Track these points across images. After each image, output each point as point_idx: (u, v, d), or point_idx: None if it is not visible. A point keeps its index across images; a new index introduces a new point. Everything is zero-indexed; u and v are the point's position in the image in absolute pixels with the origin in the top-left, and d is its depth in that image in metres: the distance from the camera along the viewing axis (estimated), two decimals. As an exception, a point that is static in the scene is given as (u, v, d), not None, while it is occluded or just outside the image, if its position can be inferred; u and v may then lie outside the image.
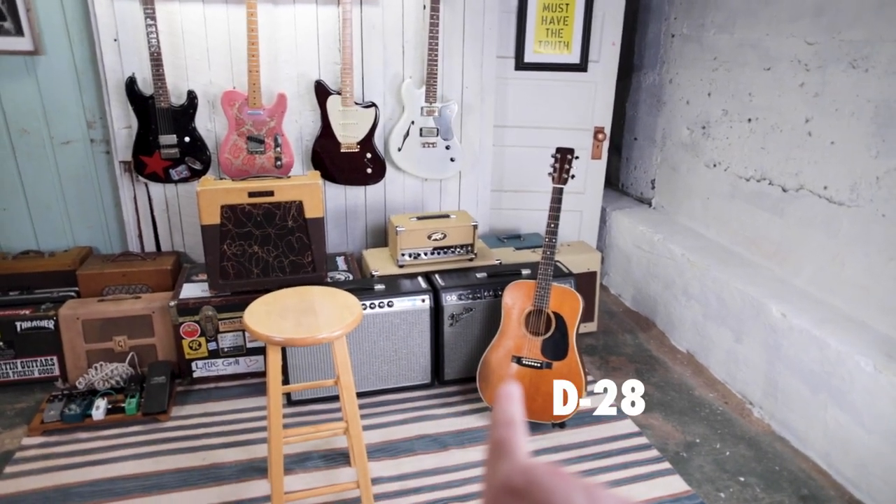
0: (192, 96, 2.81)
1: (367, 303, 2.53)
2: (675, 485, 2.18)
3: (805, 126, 2.58)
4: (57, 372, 2.69)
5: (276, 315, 1.82)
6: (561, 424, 2.47)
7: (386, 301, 2.55)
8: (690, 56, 3.30)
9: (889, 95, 2.23)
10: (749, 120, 2.89)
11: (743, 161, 2.95)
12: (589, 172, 3.52)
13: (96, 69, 2.82)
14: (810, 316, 2.39)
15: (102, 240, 3.12)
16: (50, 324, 2.61)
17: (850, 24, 2.36)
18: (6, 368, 2.64)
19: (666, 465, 2.28)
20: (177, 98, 2.83)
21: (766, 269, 2.81)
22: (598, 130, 3.45)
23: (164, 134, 2.79)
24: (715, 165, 3.14)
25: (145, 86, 2.77)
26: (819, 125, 2.52)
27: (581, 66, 3.34)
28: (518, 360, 2.40)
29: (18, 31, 2.71)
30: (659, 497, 2.12)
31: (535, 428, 2.45)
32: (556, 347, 2.37)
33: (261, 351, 2.75)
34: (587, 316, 3.23)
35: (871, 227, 2.31)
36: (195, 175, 2.89)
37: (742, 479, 2.23)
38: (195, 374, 2.70)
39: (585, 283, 3.15)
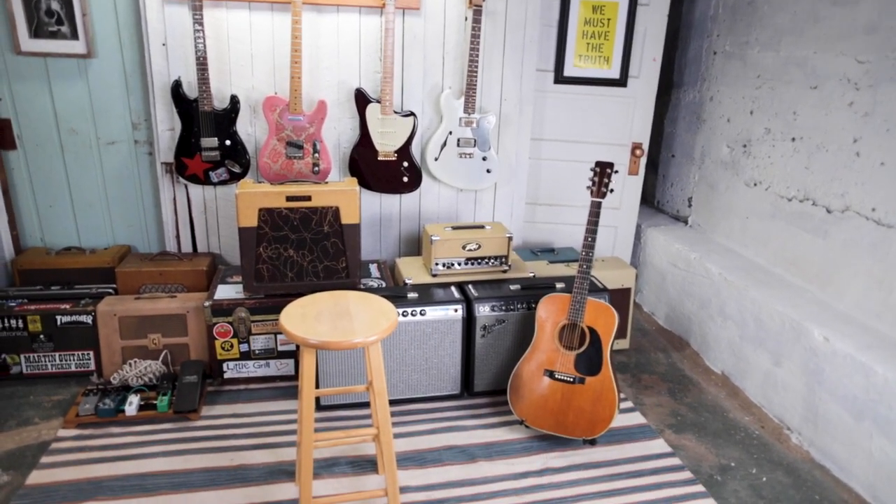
0: (234, 101, 2.85)
1: (400, 311, 2.52)
2: (710, 509, 2.12)
3: (853, 146, 2.52)
4: (93, 366, 2.73)
5: (311, 318, 1.83)
6: (592, 441, 2.43)
7: (419, 309, 2.55)
8: (733, 73, 3.25)
9: (943, 117, 2.16)
10: (793, 139, 2.83)
11: (785, 180, 2.89)
12: (625, 188, 3.48)
13: (144, 72, 2.89)
14: (854, 341, 2.31)
15: (141, 239, 3.18)
16: (88, 319, 2.66)
17: (903, 43, 2.30)
18: (45, 361, 2.70)
19: (700, 487, 2.22)
20: (220, 102, 2.88)
21: (806, 292, 2.74)
22: (636, 146, 3.41)
23: (206, 137, 2.84)
24: (756, 184, 3.08)
25: (190, 89, 2.83)
26: (868, 145, 2.46)
27: (621, 82, 3.31)
28: (551, 374, 2.37)
29: (74, 35, 2.79)
30: (693, 521, 2.06)
31: (566, 444, 2.41)
32: (589, 362, 2.33)
33: (291, 354, 2.76)
34: (620, 333, 3.18)
35: None
36: (234, 178, 2.93)
37: (780, 506, 2.16)
38: (226, 375, 2.72)
39: (619, 299, 3.11)
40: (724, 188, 3.34)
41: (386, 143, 3.01)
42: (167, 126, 2.90)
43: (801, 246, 2.81)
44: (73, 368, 2.72)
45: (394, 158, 3.04)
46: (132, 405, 2.45)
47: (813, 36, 2.71)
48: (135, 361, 2.67)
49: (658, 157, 3.99)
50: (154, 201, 3.11)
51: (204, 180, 2.92)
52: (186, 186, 3.01)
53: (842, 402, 2.29)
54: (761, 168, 3.05)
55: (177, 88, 2.79)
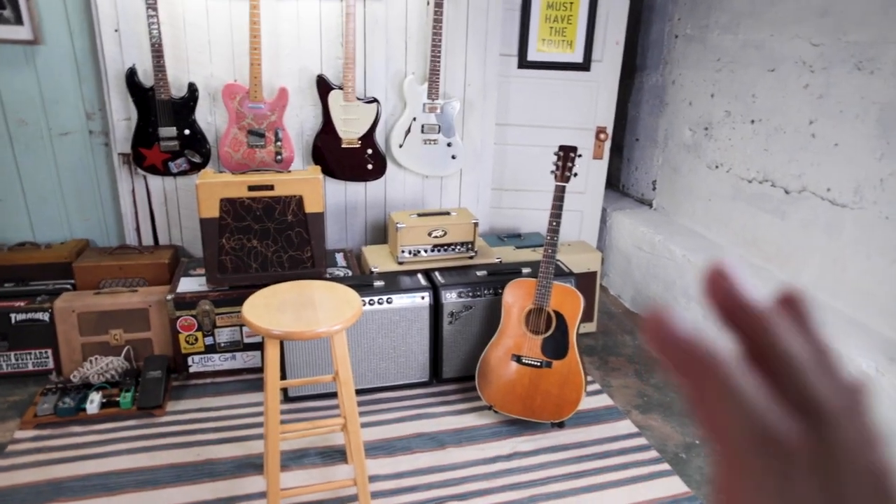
0: (192, 89, 2.78)
1: (367, 299, 2.50)
2: (675, 486, 2.16)
3: (809, 128, 2.57)
4: (51, 365, 2.66)
5: (274, 309, 1.80)
6: (560, 424, 2.45)
7: (385, 298, 2.53)
8: (694, 57, 3.28)
9: (894, 97, 2.22)
10: (752, 121, 2.88)
11: (745, 163, 2.94)
12: (590, 172, 3.50)
13: (96, 60, 2.80)
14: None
15: (99, 232, 3.10)
16: (45, 316, 2.58)
17: (856, 25, 2.35)
18: None
19: (665, 466, 2.26)
20: (177, 90, 2.80)
21: (766, 272, 2.80)
22: (601, 130, 3.43)
23: (164, 126, 2.77)
24: (717, 167, 3.13)
25: (146, 77, 2.75)
26: (823, 127, 2.51)
27: (584, 66, 3.32)
28: (518, 359, 2.38)
29: (18, 20, 2.68)
30: (658, 498, 2.10)
31: (534, 428, 2.43)
32: (556, 346, 2.35)
33: (258, 346, 2.73)
34: (587, 316, 3.21)
35: (874, 229, 2.30)
36: (195, 168, 2.87)
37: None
38: (191, 369, 2.68)
39: (585, 282, 3.13)
40: (686, 171, 3.39)
41: (349, 130, 2.97)
42: (123, 115, 2.81)
43: (760, 226, 2.86)
44: (31, 368, 2.65)
45: (358, 146, 3.00)
46: (94, 403, 2.40)
47: (770, 19, 2.75)
48: (96, 358, 2.61)
49: (622, 141, 4.03)
50: (112, 193, 3.03)
51: (163, 171, 2.85)
52: (145, 178, 2.94)
53: (800, 378, 2.35)
54: (722, 150, 3.09)
55: (132, 76, 2.71)
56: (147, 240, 3.03)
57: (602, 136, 3.44)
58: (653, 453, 2.33)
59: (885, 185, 2.26)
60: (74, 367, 2.62)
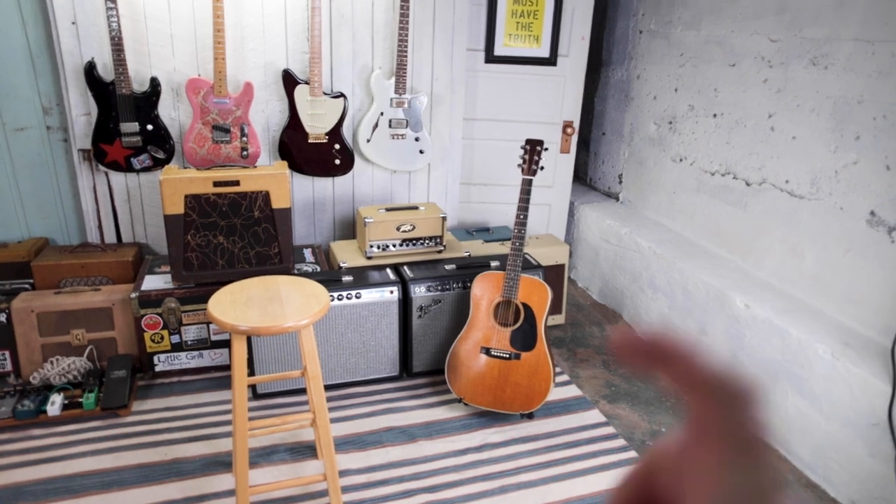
0: (154, 83, 2.73)
1: (335, 294, 2.49)
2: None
3: (768, 121, 2.64)
4: (10, 367, 2.59)
5: (241, 304, 1.78)
6: (529, 415, 2.48)
7: (354, 293, 2.53)
8: (658, 52, 3.34)
9: (846, 92, 2.29)
10: (714, 115, 2.94)
11: (708, 155, 3.00)
12: (557, 166, 3.54)
13: (52, 53, 2.72)
14: (772, 306, 2.44)
15: (59, 231, 3.02)
16: (2, 317, 2.51)
17: (811, 22, 2.42)
18: (-44, 363, 2.54)
19: (633, 454, 2.30)
20: (139, 85, 2.75)
21: (730, 262, 2.87)
22: (567, 125, 3.47)
23: (126, 122, 2.71)
24: (681, 160, 3.19)
25: (105, 71, 2.68)
26: (781, 120, 2.57)
27: (550, 61, 3.35)
28: (487, 352, 2.40)
29: (-31, 12, 2.60)
30: (626, 485, 2.14)
31: (504, 419, 2.46)
32: (524, 338, 2.38)
33: (225, 344, 2.69)
34: (555, 308, 3.25)
35: (830, 219, 2.37)
36: (158, 164, 2.81)
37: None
38: (157, 368, 2.63)
39: (554, 275, 3.17)
40: (652, 164, 3.44)
41: (316, 125, 2.95)
42: (82, 111, 2.75)
43: (723, 218, 2.93)
44: (-11, 369, 2.57)
45: (325, 141, 2.98)
46: (55, 405, 2.34)
47: (730, 15, 2.81)
48: (56, 359, 2.54)
49: (589, 135, 4.07)
50: (72, 190, 2.95)
51: (126, 167, 2.80)
52: (107, 174, 2.87)
53: (761, 365, 2.42)
54: (686, 144, 3.15)
55: (91, 71, 2.64)
56: (110, 237, 2.97)
57: (569, 130, 3.47)
58: (620, 441, 2.37)
59: (840, 177, 2.33)
60: (34, 368, 2.56)
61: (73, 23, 2.63)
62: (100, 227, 2.94)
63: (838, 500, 2.12)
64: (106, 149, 2.74)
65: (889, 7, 2.13)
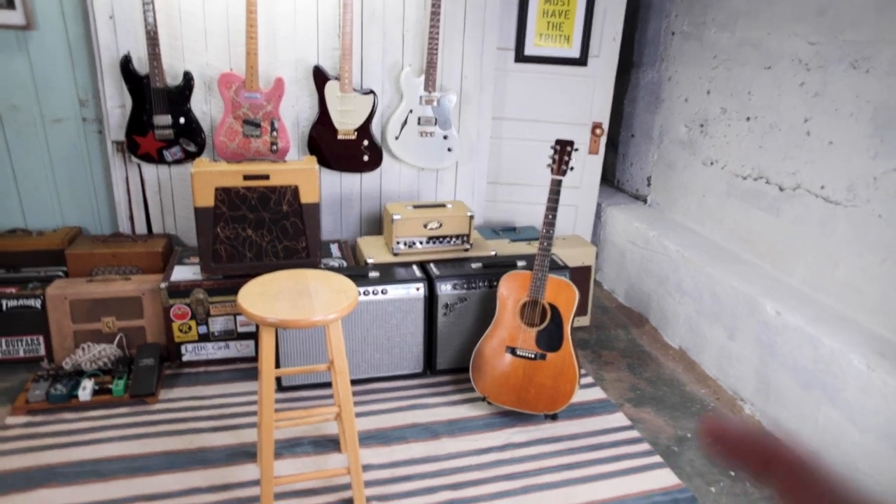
0: (188, 77, 2.77)
1: (362, 290, 2.50)
2: (666, 478, 2.18)
3: (804, 126, 2.59)
4: (43, 352, 2.64)
5: (270, 297, 1.80)
6: (553, 416, 2.46)
7: (380, 288, 2.53)
8: (690, 54, 3.29)
9: (888, 97, 2.24)
10: (748, 119, 2.89)
11: (740, 159, 2.95)
12: (585, 167, 3.51)
13: (90, 46, 2.78)
14: (804, 314, 2.39)
15: (92, 220, 3.07)
16: (37, 303, 2.56)
17: (852, 24, 2.36)
18: (-9, 347, 2.60)
19: (657, 458, 2.28)
20: (172, 79, 2.78)
21: (759, 268, 2.82)
22: (596, 126, 3.44)
23: (159, 114, 2.75)
24: (712, 163, 3.15)
25: (140, 65, 2.73)
26: (818, 125, 2.52)
27: (581, 61, 3.33)
28: (512, 351, 2.39)
29: (10, 5, 2.66)
30: (650, 490, 2.11)
31: (528, 419, 2.44)
32: (550, 339, 2.36)
33: (251, 336, 2.72)
34: (580, 310, 3.22)
35: (867, 227, 2.32)
36: (189, 157, 2.85)
37: (733, 473, 2.23)
38: (184, 358, 2.67)
39: (580, 276, 3.14)
40: (681, 167, 3.40)
41: (345, 121, 2.96)
42: (117, 103, 2.79)
43: (754, 223, 2.88)
44: (22, 354, 2.63)
45: (354, 137, 3.00)
46: (86, 390, 2.39)
47: (767, 17, 2.76)
48: (88, 345, 2.59)
49: (618, 137, 4.04)
50: (105, 181, 3.01)
51: (158, 159, 2.84)
52: (139, 166, 2.92)
53: (792, 373, 2.38)
54: (717, 147, 3.11)
55: (126, 64, 2.69)
56: (140, 228, 3.01)
57: (598, 131, 3.45)
58: (645, 446, 2.34)
59: (879, 184, 2.28)
60: (66, 354, 2.61)
61: (111, 17, 2.68)
62: (131, 217, 2.99)
63: (869, 513, 2.07)
64: (139, 141, 2.78)
65: (934, 10, 2.08)
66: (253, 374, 2.66)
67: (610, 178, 4.15)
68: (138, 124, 2.76)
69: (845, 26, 2.39)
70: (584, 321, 3.26)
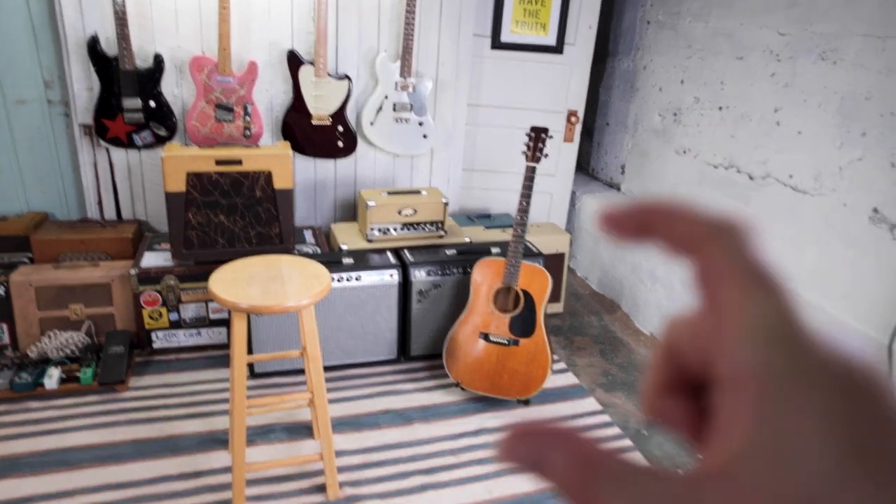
0: (158, 60, 2.71)
1: (335, 276, 2.49)
2: (637, 461, 2.21)
3: (774, 115, 2.63)
4: (7, 340, 2.58)
5: (242, 282, 1.78)
6: (525, 401, 2.49)
7: (354, 275, 2.52)
8: (665, 43, 3.32)
9: (855, 88, 2.28)
10: (720, 108, 2.93)
11: (712, 148, 2.99)
12: (561, 155, 3.53)
13: (55, 26, 2.70)
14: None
15: (59, 205, 3.00)
16: (0, 290, 2.50)
17: (821, 16, 2.40)
18: (-47, 334, 2.53)
19: (627, 442, 2.32)
20: (142, 61, 2.72)
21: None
22: (572, 113, 3.45)
23: (128, 97, 2.69)
24: (685, 152, 3.18)
25: (109, 46, 2.66)
26: (787, 115, 2.57)
27: (557, 49, 3.33)
28: (486, 337, 2.40)
29: (-28, -19, 2.57)
30: (620, 473, 2.15)
31: (501, 405, 2.46)
32: (523, 325, 2.38)
33: (224, 323, 2.69)
34: (554, 297, 3.25)
35: (832, 215, 2.37)
36: (160, 141, 2.80)
37: (700, 456, 2.27)
38: (155, 345, 2.63)
39: (553, 264, 3.17)
40: (655, 156, 3.43)
41: (320, 106, 2.93)
42: (84, 85, 2.73)
43: (725, 211, 2.92)
44: (-13, 342, 2.57)
45: (328, 123, 2.97)
46: (52, 378, 2.34)
47: (740, 8, 2.79)
48: (54, 333, 2.54)
49: (593, 125, 4.06)
50: (72, 165, 2.94)
51: (127, 143, 2.78)
52: (108, 150, 2.86)
53: (758, 358, 2.43)
54: (690, 136, 3.14)
55: (94, 45, 2.62)
56: (109, 214, 2.96)
57: (573, 119, 3.46)
58: (615, 430, 2.38)
59: (844, 174, 2.33)
60: (31, 342, 2.55)
61: (77, -5, 2.60)
62: (100, 203, 2.93)
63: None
64: (108, 124, 2.72)
65: (900, 3, 2.12)
66: (225, 362, 2.64)
67: (584, 167, 4.18)
68: (107, 107, 2.70)
69: (814, 18, 2.43)
70: (558, 308, 3.28)
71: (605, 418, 2.45)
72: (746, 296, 0.22)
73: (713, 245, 0.24)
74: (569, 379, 2.69)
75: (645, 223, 0.25)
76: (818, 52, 2.42)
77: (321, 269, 1.90)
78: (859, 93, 2.27)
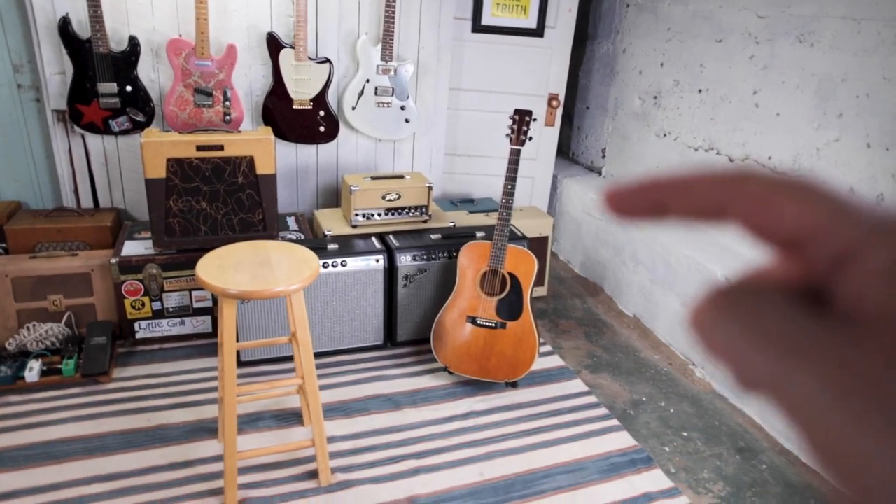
0: (133, 42, 2.64)
1: (321, 262, 2.47)
2: (624, 440, 2.25)
3: (753, 97, 2.66)
4: (-16, 332, 2.52)
5: (230, 268, 1.76)
6: (513, 384, 2.51)
7: (339, 261, 2.51)
8: (644, 26, 3.33)
9: (831, 70, 2.32)
10: (700, 91, 2.96)
11: (692, 131, 3.02)
12: (542, 139, 3.54)
13: (23, 6, 2.61)
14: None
15: (32, 194, 2.93)
16: (-24, 281, 2.44)
17: (799, -2, 2.43)
18: (-73, 328, 2.46)
19: (614, 422, 2.35)
20: (117, 44, 2.65)
21: (711, 236, 2.91)
22: (553, 97, 3.46)
23: (104, 82, 2.62)
24: (665, 135, 3.21)
25: (81, 28, 2.59)
26: (766, 97, 2.60)
27: (538, 32, 3.32)
28: (473, 321, 2.41)
29: (-65, -39, 2.47)
30: (609, 451, 2.19)
31: (489, 388, 2.48)
32: (510, 308, 2.39)
33: (208, 311, 2.66)
34: (538, 280, 3.26)
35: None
36: (137, 127, 2.74)
37: (685, 433, 2.33)
38: (138, 335, 2.59)
39: (537, 247, 3.18)
40: (636, 139, 3.46)
41: (301, 90, 2.89)
42: (56, 69, 2.65)
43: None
44: (-38, 335, 2.51)
45: (310, 107, 2.93)
46: (33, 371, 2.30)
47: (719, -10, 2.81)
48: (33, 325, 2.49)
49: (573, 109, 4.07)
50: (46, 153, 2.86)
51: (103, 129, 2.71)
52: (83, 136, 2.79)
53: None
54: (670, 119, 3.17)
55: (65, 27, 2.54)
56: (86, 202, 2.89)
57: (554, 102, 3.47)
58: (602, 410, 2.42)
59: (821, 154, 2.37)
60: (9, 334, 2.50)
61: (47, -24, 2.52)
62: (76, 191, 2.86)
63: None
64: (83, 110, 2.65)
65: (877, -15, 2.16)
66: (209, 350, 2.61)
67: (565, 151, 4.19)
68: (81, 92, 2.62)
69: (792, 1, 2.46)
70: (542, 291, 3.31)
71: (592, 399, 2.48)
72: (870, 241, 0.20)
73: (789, 199, 0.21)
74: (555, 361, 2.72)
75: (655, 199, 0.24)
76: (796, 35, 2.46)
77: (309, 254, 1.88)
78: (836, 74, 2.31)
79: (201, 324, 2.66)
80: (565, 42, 3.37)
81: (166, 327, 2.62)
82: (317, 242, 2.60)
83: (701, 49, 2.94)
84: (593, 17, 3.80)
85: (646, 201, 0.24)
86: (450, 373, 2.50)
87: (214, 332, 2.69)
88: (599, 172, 3.82)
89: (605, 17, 3.67)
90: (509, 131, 2.39)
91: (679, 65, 3.09)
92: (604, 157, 3.77)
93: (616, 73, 3.60)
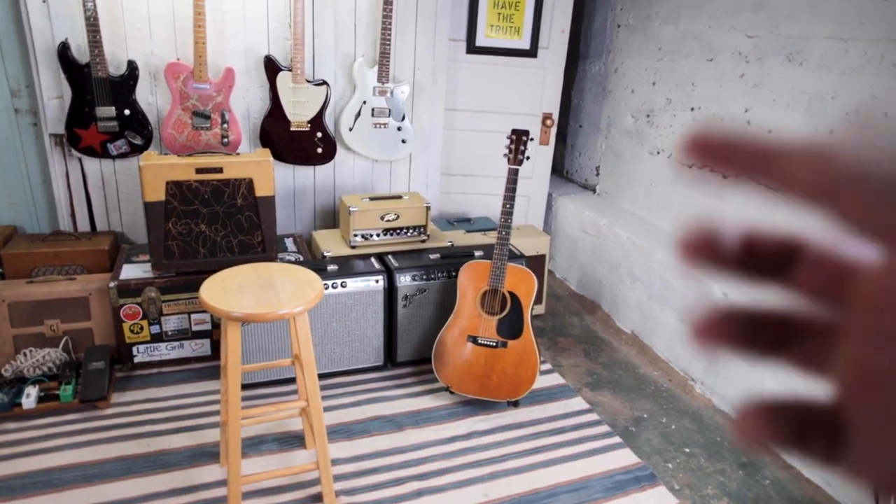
0: (132, 66, 2.65)
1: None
2: (627, 457, 2.25)
3: (745, 115, 2.71)
4: (-20, 359, 2.49)
5: (233, 291, 1.76)
6: (515, 403, 2.51)
7: (339, 282, 2.51)
8: (636, 46, 3.39)
9: (821, 88, 2.37)
10: (692, 109, 3.01)
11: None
12: (537, 158, 3.57)
13: (21, 31, 2.62)
14: (750, 297, 2.52)
15: (28, 219, 2.92)
16: (-28, 307, 2.42)
17: (787, 19, 2.49)
18: (-78, 355, 2.43)
19: (617, 439, 2.35)
20: (115, 68, 2.67)
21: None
22: (547, 116, 3.50)
23: (102, 106, 2.63)
24: (658, 152, 3.26)
25: (80, 53, 2.60)
26: (757, 115, 2.65)
27: (531, 52, 3.37)
28: (474, 340, 2.42)
29: (-66, -11, 2.48)
30: (612, 469, 2.19)
31: (491, 407, 2.48)
32: (511, 326, 2.40)
33: (207, 334, 2.65)
34: (536, 298, 3.27)
35: (802, 213, 2.45)
36: (136, 150, 2.74)
37: (687, 450, 2.33)
38: (136, 359, 2.57)
39: (534, 265, 3.20)
40: (629, 157, 3.50)
41: (298, 112, 2.91)
42: (54, 94, 2.65)
43: (700, 209, 3.00)
44: (-43, 361, 2.48)
45: (307, 129, 2.95)
46: (30, 397, 2.27)
47: (708, 11, 2.87)
48: (30, 351, 2.46)
49: (566, 128, 4.12)
50: (42, 177, 2.85)
51: (101, 153, 2.71)
52: (81, 160, 2.78)
53: (738, 352, 2.50)
54: (663, 137, 3.22)
55: (64, 52, 2.55)
56: (83, 226, 2.88)
57: (548, 122, 3.51)
58: (604, 428, 2.42)
59: (814, 170, 2.41)
60: (5, 360, 2.47)
61: (44, 1, 2.54)
62: (72, 214, 2.85)
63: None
64: (81, 133, 2.65)
65: (862, 6, 2.21)
66: (209, 374, 2.60)
67: (559, 169, 4.23)
68: (79, 116, 2.63)
69: (780, 20, 2.52)
70: (540, 309, 3.32)
71: (594, 417, 2.48)
72: None
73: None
74: (555, 379, 2.72)
75: (752, 160, 0.21)
76: (785, 54, 2.51)
77: (312, 276, 1.88)
78: (825, 93, 2.36)
79: (200, 347, 2.65)
80: (558, 62, 3.42)
81: (165, 351, 2.60)
82: (316, 264, 2.60)
83: (692, 68, 2.99)
84: (585, 36, 3.86)
85: (736, 159, 0.22)
86: (451, 392, 2.50)
87: (213, 356, 2.67)
88: (594, 190, 3.85)
89: (597, 37, 3.73)
90: (507, 151, 2.41)
91: (671, 83, 3.14)
92: (598, 174, 3.81)
93: (609, 92, 3.65)
